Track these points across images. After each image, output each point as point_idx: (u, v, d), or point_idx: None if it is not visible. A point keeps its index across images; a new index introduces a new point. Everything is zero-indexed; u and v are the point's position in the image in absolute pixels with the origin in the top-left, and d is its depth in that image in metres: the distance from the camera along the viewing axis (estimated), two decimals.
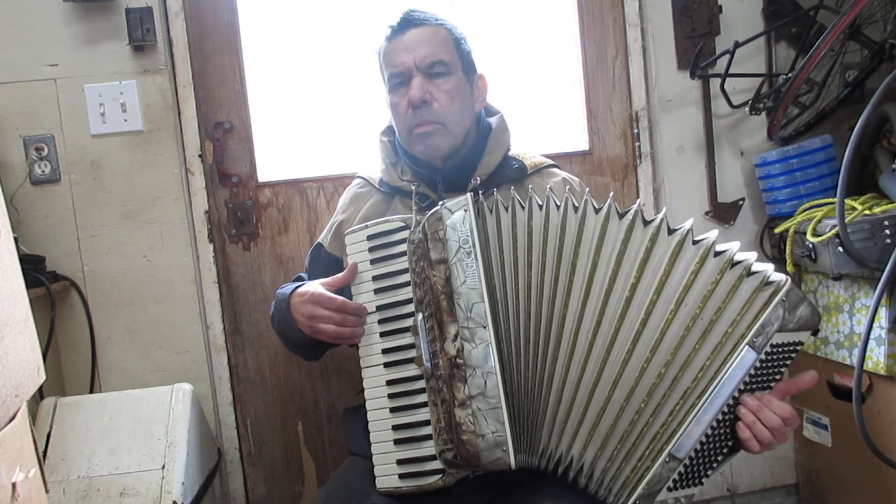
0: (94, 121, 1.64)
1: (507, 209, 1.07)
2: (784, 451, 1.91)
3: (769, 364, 1.00)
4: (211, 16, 1.73)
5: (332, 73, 1.79)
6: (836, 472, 1.74)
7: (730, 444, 1.02)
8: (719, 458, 1.02)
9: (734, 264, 1.00)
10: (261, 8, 1.77)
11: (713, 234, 1.02)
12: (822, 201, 1.65)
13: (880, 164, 1.62)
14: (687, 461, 1.00)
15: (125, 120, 1.65)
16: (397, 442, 1.12)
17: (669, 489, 1.01)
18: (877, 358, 1.51)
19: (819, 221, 1.57)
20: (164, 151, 1.67)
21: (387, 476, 1.13)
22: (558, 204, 1.05)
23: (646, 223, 1.02)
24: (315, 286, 1.19)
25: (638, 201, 1.07)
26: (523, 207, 1.07)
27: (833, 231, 1.49)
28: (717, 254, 1.00)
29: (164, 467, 1.39)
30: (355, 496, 1.15)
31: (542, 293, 1.05)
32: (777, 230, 1.74)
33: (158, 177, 1.67)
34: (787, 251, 1.67)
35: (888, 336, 1.49)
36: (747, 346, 0.98)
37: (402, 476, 1.12)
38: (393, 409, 1.13)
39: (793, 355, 1.00)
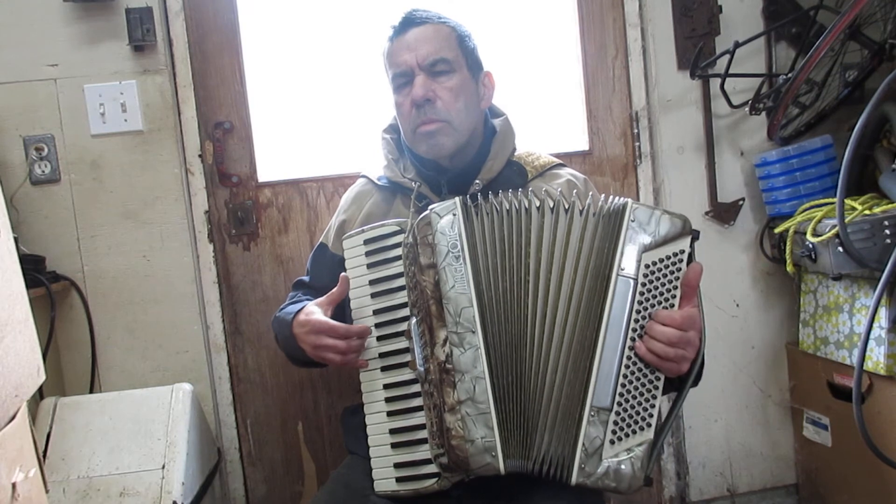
0: (94, 121, 1.64)
1: (488, 214, 1.09)
2: (784, 451, 1.92)
3: (656, 283, 1.03)
4: (211, 16, 1.73)
5: (331, 72, 1.79)
6: (836, 472, 1.74)
7: (657, 375, 1.03)
8: (654, 392, 1.03)
9: (611, 215, 1.05)
10: (261, 8, 1.77)
11: (612, 198, 1.07)
12: (822, 201, 1.65)
13: (880, 164, 1.62)
14: (617, 408, 1.01)
15: (125, 120, 1.65)
16: (394, 445, 1.12)
17: (613, 442, 1.01)
18: (877, 358, 1.51)
19: (819, 221, 1.57)
20: (164, 151, 1.67)
21: (384, 479, 1.13)
22: (517, 207, 1.08)
23: (566, 211, 1.06)
24: (314, 312, 1.19)
25: (559, 189, 1.12)
26: (498, 212, 1.08)
27: (833, 231, 1.49)
28: (605, 215, 1.06)
29: (164, 467, 1.39)
30: (355, 496, 1.15)
31: (513, 295, 1.07)
32: (777, 230, 1.74)
33: (158, 177, 1.67)
34: (787, 251, 1.67)
35: (888, 336, 1.49)
36: (619, 277, 1.02)
37: (399, 479, 1.12)
38: (390, 413, 1.14)
39: (679, 265, 1.03)
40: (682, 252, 1.03)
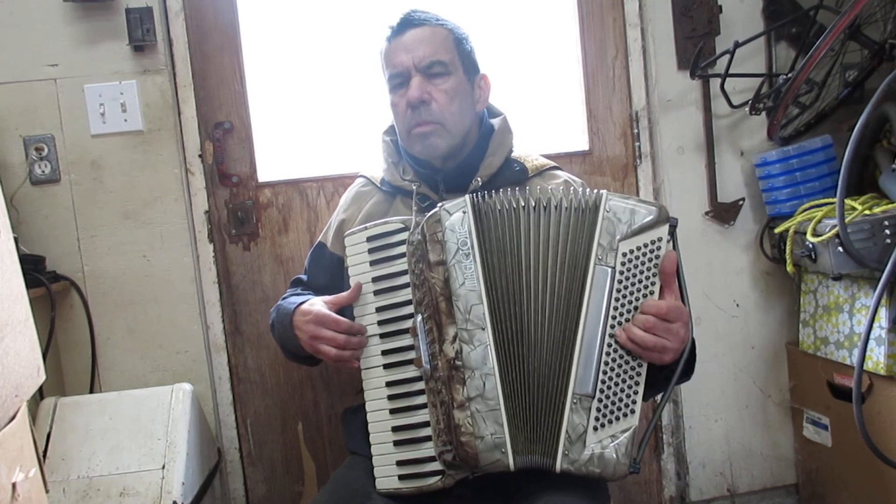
0: (94, 121, 1.64)
1: (498, 211, 1.08)
2: (784, 451, 1.92)
3: (634, 272, 1.03)
4: (211, 16, 1.73)
5: (332, 72, 1.79)
6: (836, 472, 1.74)
7: (639, 362, 1.03)
8: (636, 379, 1.03)
9: (587, 208, 1.06)
10: (261, 8, 1.77)
11: (588, 191, 1.08)
12: (822, 201, 1.66)
13: (880, 164, 1.62)
14: (600, 395, 1.02)
15: (125, 120, 1.65)
16: (397, 443, 1.12)
17: (597, 429, 1.02)
18: (877, 358, 1.51)
19: (819, 221, 1.57)
20: (164, 151, 1.67)
21: (386, 477, 1.13)
22: (523, 205, 1.08)
23: (545, 208, 1.07)
24: (319, 305, 1.19)
25: (549, 189, 1.12)
26: (506, 209, 1.08)
27: (833, 231, 1.49)
28: (581, 208, 1.07)
29: (164, 467, 1.39)
30: (356, 496, 1.15)
31: (519, 291, 1.07)
32: (777, 230, 1.74)
33: (158, 177, 1.67)
34: (787, 251, 1.67)
35: (888, 336, 1.49)
36: (596, 266, 1.03)
37: (401, 477, 1.12)
38: (392, 411, 1.13)
39: (658, 252, 1.03)
40: (660, 240, 1.03)
